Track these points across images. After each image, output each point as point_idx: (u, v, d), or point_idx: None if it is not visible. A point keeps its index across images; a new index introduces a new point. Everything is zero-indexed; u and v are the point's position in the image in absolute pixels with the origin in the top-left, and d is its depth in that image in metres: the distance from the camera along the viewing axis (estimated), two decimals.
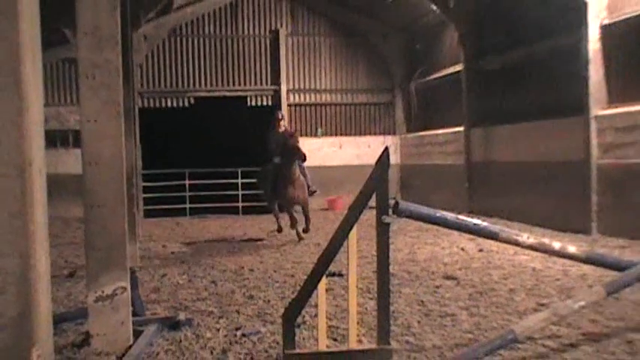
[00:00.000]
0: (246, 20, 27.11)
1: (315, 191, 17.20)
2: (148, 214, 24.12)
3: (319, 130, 27.10)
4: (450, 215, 7.08)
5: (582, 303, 7.00)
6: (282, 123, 17.63)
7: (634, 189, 14.46)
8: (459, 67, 22.70)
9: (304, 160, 15.44)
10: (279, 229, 18.06)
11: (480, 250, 13.82)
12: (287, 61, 27.17)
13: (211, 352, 7.17)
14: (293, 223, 16.75)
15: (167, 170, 25.65)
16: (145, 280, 11.34)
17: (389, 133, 27.68)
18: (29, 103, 3.30)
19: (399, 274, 11.26)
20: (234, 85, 26.97)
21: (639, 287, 8.64)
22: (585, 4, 15.93)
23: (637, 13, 14.95)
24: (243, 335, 7.87)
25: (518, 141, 19.28)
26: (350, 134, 27.24)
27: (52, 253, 4.53)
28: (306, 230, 16.62)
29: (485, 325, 8.05)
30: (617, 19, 15.53)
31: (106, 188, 7.23)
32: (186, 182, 26.34)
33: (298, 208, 16.94)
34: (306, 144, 26.47)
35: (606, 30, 15.81)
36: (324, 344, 6.28)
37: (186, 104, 26.65)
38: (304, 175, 16.36)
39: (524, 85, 19.20)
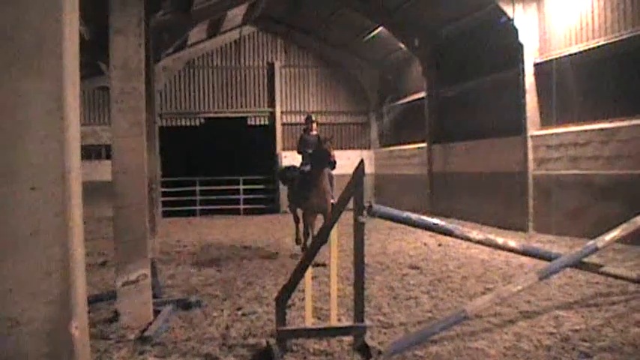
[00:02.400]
0: (247, 54, 27.15)
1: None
2: (166, 214, 24.07)
3: None
4: (414, 216, 7.12)
5: (519, 287, 7.06)
6: (314, 126, 14.47)
7: (560, 195, 14.59)
8: (422, 94, 22.72)
9: (334, 166, 12.10)
10: (300, 241, 13.39)
11: (439, 245, 13.86)
12: (281, 88, 27.21)
13: (217, 328, 7.22)
14: (304, 236, 12.79)
15: (182, 178, 25.80)
16: (163, 269, 11.34)
17: (365, 148, 27.70)
18: (69, 123, 3.36)
19: (373, 265, 11.29)
20: (237, 107, 26.96)
21: (564, 273, 8.77)
22: (522, 46, 16.11)
23: (560, 55, 15.12)
24: (244, 315, 7.92)
25: (470, 155, 19.36)
26: (333, 149, 27.21)
27: (87, 246, 4.57)
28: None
29: (442, 306, 8.11)
30: (546, 59, 15.70)
31: (131, 193, 7.29)
32: (197, 188, 26.47)
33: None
34: (297, 157, 26.68)
35: (538, 67, 15.99)
36: (309, 322, 6.33)
37: (198, 123, 26.65)
38: (331, 185, 12.85)
39: (475, 109, 19.27)
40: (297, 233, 13.76)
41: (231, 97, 26.96)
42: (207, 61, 26.81)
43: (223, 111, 26.81)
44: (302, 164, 13.76)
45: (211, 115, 26.66)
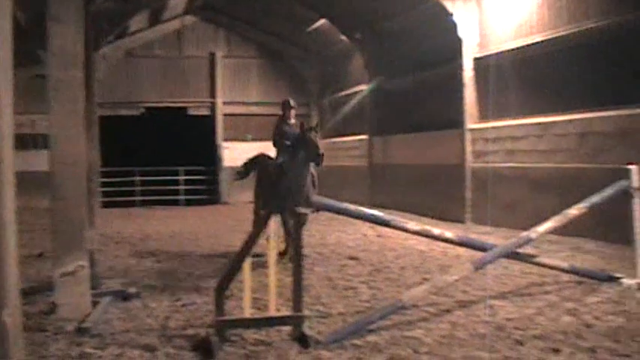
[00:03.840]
0: (188, 44, 26.94)
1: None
2: (105, 205, 23.71)
3: (248, 135, 27.01)
4: (352, 207, 7.22)
5: (455, 277, 7.21)
6: (292, 113, 12.18)
7: (496, 187, 14.87)
8: (363, 87, 22.89)
9: (321, 161, 10.10)
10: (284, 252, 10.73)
11: (378, 236, 13.99)
12: (222, 79, 27.07)
13: (156, 319, 7.19)
14: (286, 243, 10.72)
15: (121, 168, 25.36)
16: (102, 260, 11.20)
17: None
18: (0, 112, 3.31)
19: (312, 255, 11.37)
20: (177, 97, 26.74)
21: (500, 264, 8.96)
22: (461, 40, 16.34)
23: (499, 50, 15.40)
24: (183, 305, 7.91)
25: (410, 148, 19.57)
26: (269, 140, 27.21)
27: (23, 238, 4.52)
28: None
29: (380, 296, 8.21)
30: (485, 54, 15.97)
31: (69, 183, 7.19)
32: (137, 179, 26.13)
33: None
34: (237, 148, 26.61)
35: (477, 62, 16.25)
36: (248, 312, 6.35)
37: (138, 113, 26.36)
38: (313, 185, 11.09)
39: (415, 102, 19.46)
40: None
41: (172, 87, 26.71)
42: (148, 50, 26.48)
43: (164, 101, 26.55)
44: (277, 158, 11.77)
45: (152, 104, 26.40)
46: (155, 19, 24.77)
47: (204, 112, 27.18)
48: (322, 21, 23.33)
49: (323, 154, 10.14)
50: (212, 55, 27.05)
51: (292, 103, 12.37)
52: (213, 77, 27.05)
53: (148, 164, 25.78)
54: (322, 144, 28.39)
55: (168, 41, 26.70)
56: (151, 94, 26.40)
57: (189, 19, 26.48)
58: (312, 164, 10.61)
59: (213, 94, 27.07)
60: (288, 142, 11.24)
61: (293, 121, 12.06)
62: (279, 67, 27.85)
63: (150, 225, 18.26)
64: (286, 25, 25.68)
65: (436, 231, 7.55)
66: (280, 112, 12.53)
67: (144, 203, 25.61)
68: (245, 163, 13.06)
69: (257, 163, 12.65)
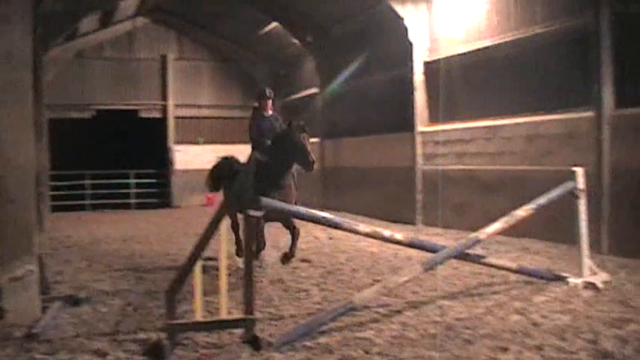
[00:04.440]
0: (140, 46, 26.61)
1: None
2: (55, 209, 23.35)
3: (200, 138, 26.89)
4: (303, 209, 7.26)
5: (406, 278, 7.29)
6: (269, 104, 10.64)
7: (446, 189, 15.03)
8: (315, 90, 22.93)
9: (313, 167, 9.04)
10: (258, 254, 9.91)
11: (330, 238, 14.04)
12: (174, 81, 26.85)
13: (106, 324, 7.14)
14: (258, 248, 9.66)
15: (71, 172, 24.92)
16: (51, 265, 11.03)
17: None
18: None
19: (264, 258, 11.35)
20: (128, 100, 26.40)
21: (449, 265, 9.08)
22: (411, 44, 16.50)
23: (449, 54, 15.60)
24: (134, 310, 7.85)
25: (362, 150, 19.68)
26: (226, 143, 27.08)
27: None
28: (290, 255, 9.77)
29: (331, 298, 8.26)
30: (435, 58, 16.15)
31: (17, 187, 7.09)
32: (87, 182, 25.72)
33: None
34: (189, 151, 26.46)
35: (428, 66, 16.42)
36: (199, 315, 6.33)
37: (89, 116, 25.93)
38: (295, 187, 9.91)
39: (367, 105, 19.56)
40: (237, 242, 10.58)
41: (123, 90, 26.31)
42: (99, 52, 26.09)
43: (115, 103, 26.15)
44: (251, 157, 10.22)
45: (102, 107, 25.97)
46: (106, 21, 24.45)
47: (156, 114, 26.89)
48: (274, 24, 23.29)
49: (314, 162, 9.07)
50: (164, 57, 26.78)
51: (268, 92, 10.78)
52: (164, 80, 26.80)
53: (98, 167, 25.43)
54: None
55: (119, 43, 26.35)
56: (102, 96, 25.99)
57: (140, 20, 26.17)
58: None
59: (164, 97, 26.80)
60: (268, 142, 9.92)
61: (270, 113, 10.69)
62: (231, 69, 27.75)
63: (100, 229, 18.02)
64: (238, 28, 25.58)
65: (387, 233, 7.62)
66: (255, 104, 11.07)
67: (94, 207, 25.30)
68: (211, 176, 11.76)
69: (222, 172, 11.31)
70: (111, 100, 26.09)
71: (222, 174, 11.24)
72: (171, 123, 26.78)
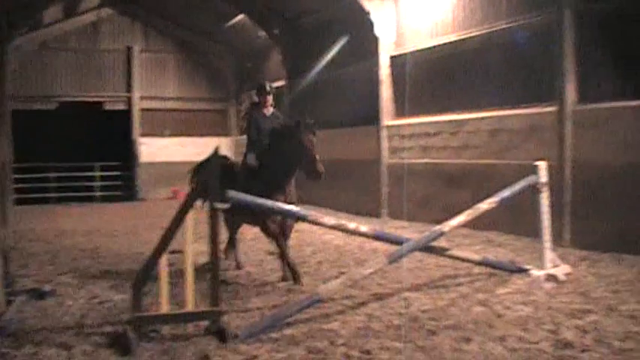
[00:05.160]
0: (105, 37, 26.37)
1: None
2: (19, 202, 23.03)
3: (165, 131, 26.76)
4: (269, 202, 7.27)
5: (371, 270, 7.34)
6: (269, 100, 9.51)
7: (411, 182, 15.13)
8: (282, 82, 22.91)
9: (320, 177, 8.30)
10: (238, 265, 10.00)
11: (296, 231, 13.94)
12: (139, 73, 26.65)
13: (72, 317, 7.11)
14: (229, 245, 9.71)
15: (35, 164, 24.63)
16: (15, 258, 10.91)
17: (224, 135, 27.58)
18: None
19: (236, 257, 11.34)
20: (93, 91, 26.15)
21: (414, 257, 9.14)
22: (377, 38, 16.55)
23: (415, 49, 15.68)
24: (100, 303, 7.82)
25: (329, 144, 19.56)
26: (192, 135, 27.00)
27: None
28: (297, 278, 8.59)
29: (297, 290, 8.27)
30: (401, 52, 16.21)
31: None
32: (52, 175, 25.47)
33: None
34: (155, 143, 26.30)
35: (394, 59, 16.49)
36: (166, 308, 6.31)
37: (53, 107, 25.67)
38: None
39: (335, 98, 19.57)
40: (230, 242, 10.18)
41: (88, 81, 26.07)
42: (63, 43, 25.78)
43: (79, 95, 25.91)
44: (247, 157, 9.34)
45: (67, 99, 25.72)
46: (70, 11, 24.19)
47: (121, 106, 26.66)
48: (241, 16, 23.25)
49: (322, 173, 8.27)
50: (129, 48, 26.57)
51: (269, 87, 9.63)
52: (129, 71, 26.58)
53: (62, 160, 25.13)
54: (240, 140, 28.27)
55: (83, 34, 26.07)
56: (66, 87, 25.72)
57: (105, 11, 25.93)
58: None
59: (129, 89, 26.61)
60: (266, 141, 9.05)
61: (271, 110, 9.60)
62: (197, 62, 27.65)
63: (65, 222, 17.85)
64: (205, 20, 25.48)
65: (352, 225, 7.65)
66: (255, 100, 9.88)
67: (59, 200, 25.02)
68: (195, 179, 10.18)
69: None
70: (75, 91, 25.84)
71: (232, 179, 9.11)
72: (136, 115, 26.59)
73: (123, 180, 26.39)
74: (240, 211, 8.17)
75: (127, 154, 26.44)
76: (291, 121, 8.99)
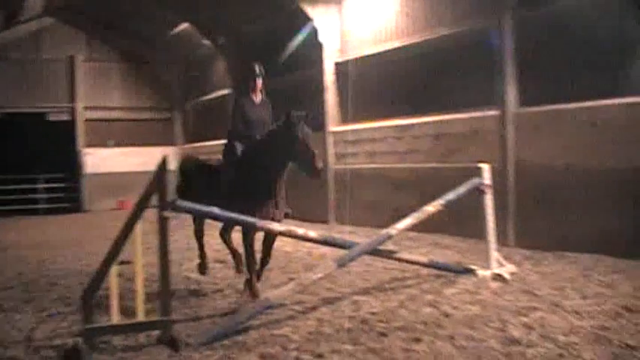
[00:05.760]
0: (47, 47, 25.91)
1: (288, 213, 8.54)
2: None
3: (110, 141, 26.44)
4: (216, 210, 7.26)
5: (320, 275, 7.38)
6: (259, 84, 8.62)
7: (358, 187, 15.25)
8: (227, 91, 22.85)
9: (319, 175, 7.68)
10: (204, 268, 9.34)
11: None
12: (83, 83, 26.25)
13: (20, 331, 6.97)
14: (249, 263, 8.09)
15: None
16: None
17: (169, 145, 27.32)
18: None
19: (178, 260, 11.26)
20: (35, 102, 25.65)
21: (363, 261, 9.22)
22: (321, 45, 16.64)
23: (359, 55, 15.82)
24: (49, 316, 7.70)
25: None
26: (137, 145, 26.71)
27: None
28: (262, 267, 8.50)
29: (247, 297, 8.25)
30: (345, 59, 16.33)
31: None
32: None
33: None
34: (100, 154, 25.94)
35: (339, 66, 16.60)
36: (116, 319, 6.26)
37: None
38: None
39: (281, 105, 19.52)
40: (201, 256, 9.31)
41: (30, 92, 25.54)
42: (4, 53, 25.19)
43: (21, 106, 25.35)
44: (229, 151, 8.42)
45: (8, 110, 25.14)
46: (11, 20, 23.70)
47: (64, 117, 26.22)
48: (185, 25, 23.13)
49: (321, 170, 7.64)
50: (72, 58, 26.17)
51: (259, 69, 8.61)
52: (73, 82, 26.19)
53: (5, 172, 24.58)
54: (185, 149, 28.27)
55: (25, 44, 25.53)
56: (8, 98, 25.12)
57: (47, 20, 25.47)
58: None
59: (73, 99, 26.20)
60: (257, 136, 8.14)
61: (260, 97, 8.68)
62: (141, 71, 27.39)
63: (8, 236, 17.47)
64: (149, 29, 25.23)
65: (300, 231, 7.69)
66: (242, 85, 8.90)
67: (1, 213, 24.46)
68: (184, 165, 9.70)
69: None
70: (17, 102, 25.28)
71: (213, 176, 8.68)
72: (80, 126, 26.19)
73: (67, 191, 25.95)
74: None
75: (71, 165, 26.01)
76: (281, 114, 7.93)
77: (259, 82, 8.61)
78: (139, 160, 24.69)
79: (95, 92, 26.55)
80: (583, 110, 10.49)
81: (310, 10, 16.54)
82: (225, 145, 8.59)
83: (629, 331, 6.05)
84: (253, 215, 7.49)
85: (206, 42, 23.11)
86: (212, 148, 24.21)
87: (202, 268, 9.32)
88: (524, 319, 6.55)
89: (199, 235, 9.42)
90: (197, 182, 8.83)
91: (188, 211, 6.96)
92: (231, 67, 22.33)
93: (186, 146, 27.17)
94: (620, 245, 9.66)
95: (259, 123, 8.39)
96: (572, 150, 10.58)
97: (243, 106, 8.44)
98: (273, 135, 7.82)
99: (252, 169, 7.87)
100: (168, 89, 27.69)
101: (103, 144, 26.40)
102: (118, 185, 24.49)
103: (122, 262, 6.67)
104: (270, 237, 8.30)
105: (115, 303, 6.21)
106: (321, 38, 16.60)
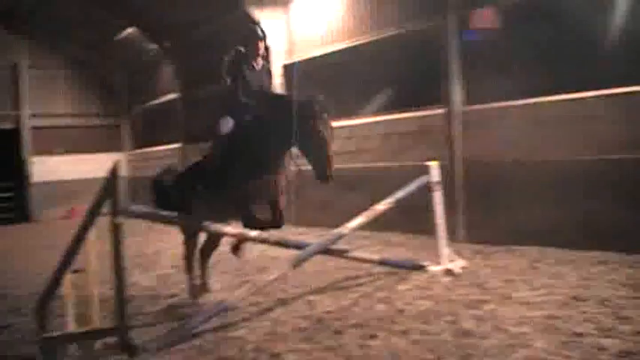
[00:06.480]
0: None
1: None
2: None
3: (59, 148, 26.02)
4: (174, 214, 7.24)
5: (274, 276, 7.42)
6: (261, 48, 7.67)
7: (309, 189, 15.22)
8: (174, 96, 22.71)
9: (329, 180, 7.03)
10: (196, 290, 8.36)
11: None
12: (28, 90, 25.74)
13: None
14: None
15: None
16: None
17: (117, 151, 27.00)
18: None
19: (132, 267, 11.18)
20: None
21: (315, 261, 9.26)
22: (268, 48, 16.61)
23: (307, 57, 15.87)
24: (1, 327, 7.58)
25: None
26: (85, 152, 26.34)
27: None
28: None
29: (202, 301, 8.25)
30: (292, 61, 16.37)
31: None
32: None
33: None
34: (48, 162, 25.49)
35: (286, 68, 16.62)
36: (72, 327, 6.21)
37: None
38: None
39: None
40: (188, 256, 8.51)
41: None
42: None
43: None
44: (218, 144, 7.47)
45: None
46: None
47: (9, 125, 25.66)
48: (131, 29, 22.91)
49: (331, 175, 6.89)
50: (15, 65, 25.67)
51: (261, 31, 7.66)
52: (17, 89, 25.68)
53: None
54: (134, 155, 28.02)
55: None
56: None
57: None
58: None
59: (17, 107, 25.70)
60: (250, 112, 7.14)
61: (261, 63, 7.69)
62: (88, 77, 26.95)
63: None
64: (94, 35, 24.90)
65: (253, 233, 7.71)
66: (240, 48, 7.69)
67: None
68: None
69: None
70: None
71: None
72: (26, 134, 25.67)
73: (15, 201, 25.45)
74: (210, 201, 7.00)
75: (17, 174, 25.49)
76: (300, 98, 7.01)
77: (261, 45, 7.58)
78: (88, 167, 24.37)
79: (41, 99, 26.01)
80: (527, 107, 10.75)
81: (257, 12, 16.52)
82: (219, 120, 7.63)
83: (577, 319, 6.24)
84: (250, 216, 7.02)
85: (153, 46, 22.93)
86: (161, 153, 24.11)
87: (196, 290, 8.39)
88: (476, 312, 6.70)
89: (191, 247, 8.47)
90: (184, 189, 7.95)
91: (141, 216, 6.92)
92: (178, 71, 22.19)
93: (135, 152, 26.92)
94: (567, 237, 9.92)
95: (259, 92, 7.50)
96: (517, 146, 10.81)
97: (244, 75, 7.35)
98: (281, 121, 6.71)
99: (237, 141, 6.97)
100: (116, 95, 27.38)
101: (52, 152, 25.95)
102: (68, 193, 24.10)
103: (76, 271, 6.61)
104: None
105: (69, 311, 6.16)
106: (268, 41, 16.58)
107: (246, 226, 7.24)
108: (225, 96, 7.56)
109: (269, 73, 7.80)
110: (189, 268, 8.37)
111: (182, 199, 7.76)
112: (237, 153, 6.91)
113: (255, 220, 7.17)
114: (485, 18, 11.19)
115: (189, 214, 7.56)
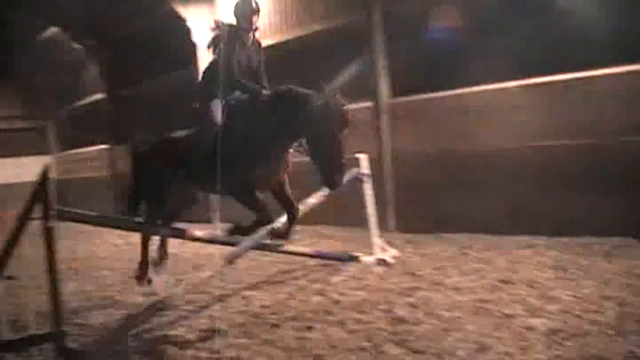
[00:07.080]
0: None
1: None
2: None
3: None
4: (101, 215, 7.19)
5: (209, 273, 7.46)
6: (255, 22, 7.44)
7: None
8: (102, 95, 22.36)
9: (335, 186, 6.42)
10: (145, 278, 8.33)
11: (129, 244, 13.80)
12: None
13: None
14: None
15: None
16: None
17: (44, 154, 26.42)
18: None
19: (65, 271, 10.94)
20: None
21: (249, 257, 9.29)
22: (195, 45, 16.52)
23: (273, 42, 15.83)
24: None
25: None
26: (9, 156, 25.71)
27: None
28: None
29: (138, 302, 8.18)
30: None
31: None
32: None
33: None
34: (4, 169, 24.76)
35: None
36: (6, 334, 6.11)
37: None
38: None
39: (157, 108, 19.31)
40: (142, 263, 8.37)
41: None
42: None
43: None
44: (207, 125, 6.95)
45: None
46: None
47: None
48: (54, 29, 22.41)
49: (339, 180, 6.23)
50: None
51: (255, 3, 7.27)
52: None
53: None
54: (61, 157, 27.56)
55: None
56: None
57: None
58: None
59: None
60: (265, 92, 7.00)
61: (252, 39, 7.34)
62: (9, 79, 26.32)
63: None
64: (14, 36, 24.25)
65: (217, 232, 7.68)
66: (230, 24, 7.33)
67: None
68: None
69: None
70: None
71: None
72: None
73: None
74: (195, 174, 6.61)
75: None
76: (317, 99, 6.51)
77: (255, 19, 7.21)
78: (13, 170, 23.81)
79: None
80: (453, 98, 11.00)
81: (182, 10, 16.40)
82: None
83: (506, 301, 6.45)
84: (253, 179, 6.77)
85: (77, 46, 22.48)
86: (88, 154, 23.73)
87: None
88: (409, 299, 6.85)
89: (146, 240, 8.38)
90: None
91: (74, 219, 6.85)
92: (104, 71, 21.84)
93: (62, 154, 26.39)
94: (495, 223, 10.21)
95: (251, 71, 7.21)
96: (444, 136, 11.07)
97: (236, 52, 6.90)
98: (288, 103, 6.52)
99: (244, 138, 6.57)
100: (40, 96, 26.76)
101: None
102: None
103: (9, 277, 6.49)
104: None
105: (2, 318, 6.06)
106: (195, 38, 16.48)
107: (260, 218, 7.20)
108: (214, 76, 6.98)
109: (259, 50, 7.41)
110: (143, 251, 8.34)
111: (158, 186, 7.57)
112: (237, 140, 6.59)
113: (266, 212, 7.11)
114: (446, 16, 11.34)
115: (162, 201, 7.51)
